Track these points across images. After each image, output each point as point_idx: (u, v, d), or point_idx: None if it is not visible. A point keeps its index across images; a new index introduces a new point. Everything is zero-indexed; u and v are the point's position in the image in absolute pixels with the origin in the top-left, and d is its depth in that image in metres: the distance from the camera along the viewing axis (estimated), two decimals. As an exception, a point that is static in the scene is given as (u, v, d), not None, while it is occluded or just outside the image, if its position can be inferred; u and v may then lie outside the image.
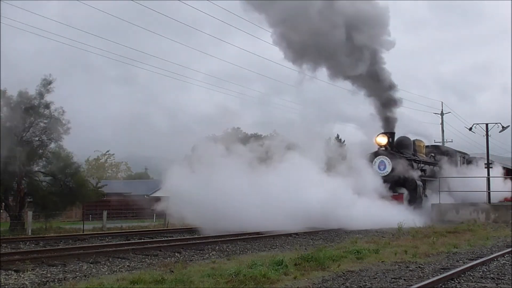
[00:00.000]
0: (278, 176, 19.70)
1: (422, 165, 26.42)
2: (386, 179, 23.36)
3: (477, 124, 32.73)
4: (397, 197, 23.09)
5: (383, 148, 24.42)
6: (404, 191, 23.68)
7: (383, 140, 24.40)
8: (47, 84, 21.05)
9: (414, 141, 26.85)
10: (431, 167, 27.70)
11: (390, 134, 24.81)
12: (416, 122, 32.37)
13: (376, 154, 24.35)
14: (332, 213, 19.26)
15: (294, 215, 18.44)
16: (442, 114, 49.32)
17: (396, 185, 23.66)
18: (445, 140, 47.49)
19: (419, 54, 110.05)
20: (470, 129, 33.58)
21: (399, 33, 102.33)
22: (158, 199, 23.02)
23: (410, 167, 24.67)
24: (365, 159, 23.89)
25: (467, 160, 32.54)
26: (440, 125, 49.20)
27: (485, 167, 28.38)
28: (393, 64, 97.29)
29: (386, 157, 23.95)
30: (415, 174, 24.69)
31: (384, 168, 23.80)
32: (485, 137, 31.35)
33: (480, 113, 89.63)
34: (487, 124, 31.59)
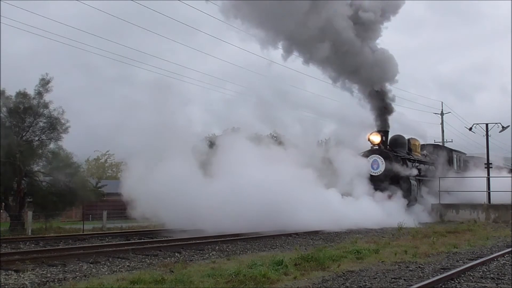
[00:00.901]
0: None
1: (417, 164, 25.78)
2: (379, 178, 22.86)
3: (477, 124, 32.79)
4: (390, 197, 22.57)
5: (376, 147, 23.80)
6: (398, 191, 23.03)
7: (376, 138, 23.75)
8: (45, 83, 21.06)
9: (409, 139, 26.27)
10: (427, 166, 27.09)
11: (383, 132, 24.19)
12: (412, 120, 31.87)
13: (369, 152, 23.78)
14: (277, 209, 17.42)
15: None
16: (442, 114, 49.36)
17: (390, 185, 23.05)
18: (445, 140, 47.52)
19: (417, 54, 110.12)
20: (470, 129, 33.63)
21: (397, 33, 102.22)
22: None
23: (404, 166, 24.07)
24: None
25: (464, 159, 32.00)
26: (440, 125, 49.29)
27: (485, 167, 28.40)
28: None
29: (379, 156, 23.33)
30: (410, 173, 24.09)
31: (377, 168, 23.22)
32: (484, 137, 31.45)
33: (479, 113, 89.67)
34: (487, 124, 31.63)
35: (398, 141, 25.32)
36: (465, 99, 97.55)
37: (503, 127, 32.37)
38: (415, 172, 24.78)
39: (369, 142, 24.20)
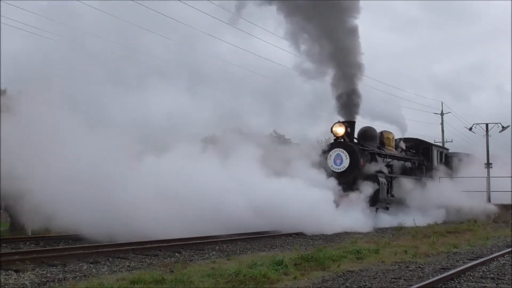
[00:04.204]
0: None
1: (389, 160, 22.57)
2: (343, 175, 19.91)
3: (477, 124, 32.83)
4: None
5: (341, 139, 20.77)
6: (366, 190, 19.86)
7: (340, 130, 20.66)
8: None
9: (381, 132, 23.48)
10: (402, 162, 24.17)
11: (348, 123, 20.93)
12: (389, 109, 28.25)
13: (332, 146, 20.85)
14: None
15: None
16: (442, 114, 49.37)
17: (355, 183, 19.98)
18: (445, 140, 47.53)
19: (413, 54, 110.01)
20: (470, 129, 33.70)
21: (393, 33, 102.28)
22: None
23: (373, 162, 21.06)
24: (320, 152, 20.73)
25: (446, 156, 29.10)
26: (440, 125, 49.29)
27: (485, 167, 28.37)
28: (387, 64, 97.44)
29: (343, 150, 20.34)
30: (379, 170, 21.08)
31: (341, 163, 20.27)
32: (484, 136, 31.46)
33: (476, 113, 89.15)
34: (487, 124, 31.70)
35: (367, 134, 22.52)
36: (461, 99, 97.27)
37: (503, 127, 32.43)
38: (386, 168, 21.86)
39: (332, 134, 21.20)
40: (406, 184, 22.89)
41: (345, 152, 20.34)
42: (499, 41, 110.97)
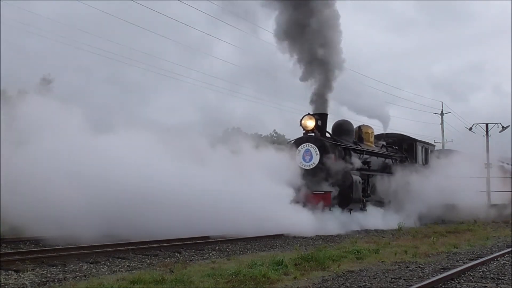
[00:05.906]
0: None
1: (366, 156, 20.48)
2: (312, 173, 18.21)
3: (477, 124, 32.85)
4: (321, 197, 17.48)
5: (311, 133, 18.96)
6: (336, 189, 18.14)
7: (310, 123, 18.89)
8: (46, 83, 21.07)
9: (360, 126, 21.72)
10: (381, 159, 22.24)
11: (319, 115, 19.11)
12: (372, 102, 25.38)
13: (300, 140, 19.04)
14: None
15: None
16: (442, 114, 49.40)
17: (325, 181, 18.12)
18: (445, 140, 47.55)
19: (411, 54, 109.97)
20: (470, 129, 33.74)
21: (392, 33, 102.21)
22: None
23: (348, 157, 19.21)
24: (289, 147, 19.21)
25: (432, 152, 26.82)
26: (440, 125, 49.32)
27: (485, 167, 28.42)
28: (386, 64, 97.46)
29: (312, 145, 18.55)
30: (354, 167, 19.22)
31: (310, 159, 18.46)
32: (484, 136, 31.47)
33: (473, 113, 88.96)
34: (487, 124, 31.73)
35: (343, 127, 20.60)
36: (460, 99, 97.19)
37: (503, 127, 32.47)
38: (362, 165, 20.00)
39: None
40: (384, 182, 21.18)
41: (315, 147, 18.56)
42: (499, 41, 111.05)
